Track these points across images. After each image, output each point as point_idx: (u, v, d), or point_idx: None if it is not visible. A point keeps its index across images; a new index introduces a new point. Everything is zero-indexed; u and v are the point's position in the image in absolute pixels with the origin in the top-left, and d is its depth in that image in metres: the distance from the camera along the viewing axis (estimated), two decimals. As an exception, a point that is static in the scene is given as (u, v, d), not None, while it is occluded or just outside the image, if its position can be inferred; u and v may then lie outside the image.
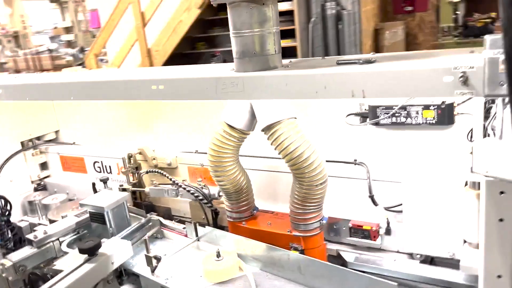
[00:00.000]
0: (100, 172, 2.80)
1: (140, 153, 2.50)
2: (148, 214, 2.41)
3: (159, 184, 2.32)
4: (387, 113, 1.86)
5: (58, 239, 2.24)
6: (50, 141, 3.06)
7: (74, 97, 1.92)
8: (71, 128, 3.03)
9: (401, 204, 1.84)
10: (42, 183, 3.04)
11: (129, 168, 2.47)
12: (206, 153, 2.41)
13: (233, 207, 2.05)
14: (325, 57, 1.60)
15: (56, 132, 3.09)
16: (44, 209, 2.77)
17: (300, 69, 1.45)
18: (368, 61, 1.33)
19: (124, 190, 2.44)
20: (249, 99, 1.79)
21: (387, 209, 1.84)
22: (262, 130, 1.80)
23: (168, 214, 2.47)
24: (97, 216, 2.23)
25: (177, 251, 2.06)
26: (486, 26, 6.75)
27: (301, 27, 6.30)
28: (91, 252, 1.92)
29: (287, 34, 6.60)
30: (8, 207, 2.70)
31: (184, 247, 2.10)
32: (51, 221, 2.51)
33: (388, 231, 1.84)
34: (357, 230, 1.89)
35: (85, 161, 2.84)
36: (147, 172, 2.39)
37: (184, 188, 2.19)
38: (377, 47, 7.51)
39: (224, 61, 8.11)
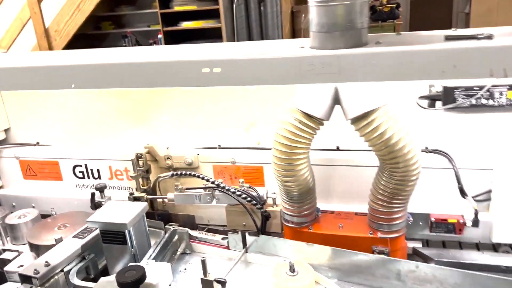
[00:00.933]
0: (83, 178, 2.24)
1: (148, 153, 2.03)
2: (166, 226, 1.99)
3: (185, 188, 1.90)
4: (468, 95, 1.71)
5: (62, 270, 1.72)
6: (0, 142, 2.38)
7: (77, 85, 1.45)
8: (29, 125, 2.38)
9: (484, 193, 1.73)
10: (-6, 197, 2.36)
11: (140, 172, 1.99)
12: (231, 148, 2.08)
13: (294, 211, 1.73)
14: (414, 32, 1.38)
15: (6, 130, 2.41)
16: (10, 230, 2.13)
17: (401, 45, 1.21)
18: (488, 37, 1.13)
19: (136, 199, 1.96)
20: (345, 81, 1.48)
21: (474, 198, 1.70)
22: (351, 120, 1.52)
23: (190, 223, 2.04)
24: (115, 236, 1.74)
25: (231, 268, 1.69)
26: (393, 11, 7.15)
27: (225, 7, 6.08)
28: (136, 285, 1.48)
29: (210, 14, 6.35)
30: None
31: (236, 262, 1.74)
32: (34, 246, 1.93)
33: (475, 223, 1.70)
34: (440, 224, 1.72)
35: (61, 165, 2.25)
36: (177, 175, 1.93)
37: (229, 191, 1.80)
38: (294, 30, 7.53)
39: (137, 43, 7.46)
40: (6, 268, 1.94)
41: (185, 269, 1.82)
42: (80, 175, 2.23)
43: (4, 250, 2.12)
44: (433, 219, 1.73)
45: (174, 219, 2.04)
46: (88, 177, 2.22)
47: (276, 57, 1.24)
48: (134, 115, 2.18)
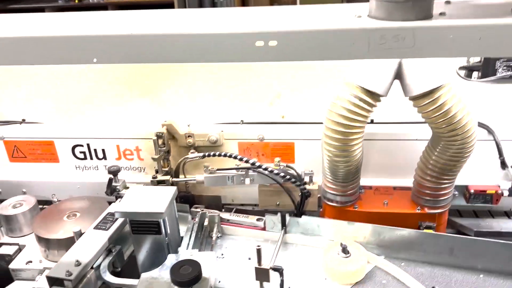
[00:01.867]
0: (85, 159, 2.00)
1: (166, 130, 1.82)
2: (192, 209, 1.85)
3: (216, 169, 1.74)
4: (508, 66, 1.69)
5: (92, 267, 1.53)
6: (-25, 120, 2.04)
7: (99, 59, 1.25)
8: (8, 99, 2.06)
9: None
10: (-26, 183, 2.05)
11: (162, 152, 1.79)
12: (256, 123, 1.95)
13: (339, 189, 1.66)
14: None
15: (-19, 106, 2.07)
16: (6, 222, 1.87)
17: (472, 18, 1.14)
18: None
19: (160, 182, 1.78)
20: (419, 57, 1.38)
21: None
22: (412, 97, 1.44)
23: (216, 204, 1.90)
24: (148, 226, 1.58)
25: (277, 252, 1.60)
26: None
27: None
28: (194, 282, 1.35)
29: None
30: None
31: (279, 245, 1.65)
32: (44, 240, 1.70)
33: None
34: (478, 195, 1.74)
35: (57, 145, 1.98)
36: (208, 156, 1.74)
37: (267, 170, 1.67)
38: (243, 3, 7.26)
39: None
40: (12, 266, 1.72)
41: (222, 254, 1.71)
42: (81, 155, 1.98)
43: (1, 244, 1.87)
44: (472, 191, 1.75)
45: (198, 201, 1.90)
46: (91, 158, 1.98)
47: (344, 28, 1.11)
48: (143, 87, 1.95)
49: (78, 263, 1.45)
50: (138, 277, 1.75)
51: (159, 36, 1.18)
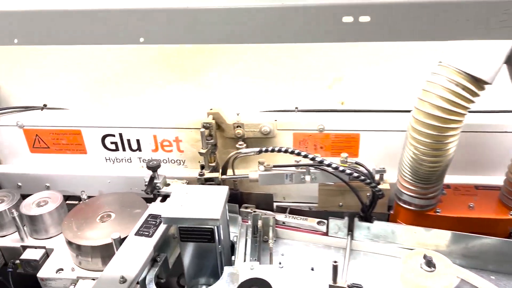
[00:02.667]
0: (116, 150, 1.76)
1: (213, 119, 1.58)
2: (241, 209, 1.63)
3: (273, 166, 1.50)
4: None
5: (138, 281, 1.32)
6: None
7: (147, 39, 1.03)
8: (28, 82, 1.80)
9: None
10: (-9, 177, 1.82)
11: (209, 146, 1.55)
12: (310, 111, 1.70)
13: (419, 192, 1.43)
14: None
15: (-5, 89, 1.82)
16: (30, 222, 1.64)
17: None
18: None
19: (208, 180, 1.54)
20: None
21: None
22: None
23: (266, 202, 1.67)
24: (200, 234, 1.36)
25: (347, 262, 1.39)
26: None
27: None
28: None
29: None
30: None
31: (349, 254, 1.44)
32: (76, 246, 1.48)
33: None
34: None
35: (84, 134, 1.74)
36: (266, 151, 1.48)
37: (338, 169, 1.43)
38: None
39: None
40: (41, 275, 1.51)
41: (280, 263, 1.49)
42: (112, 146, 1.74)
43: (25, 248, 1.66)
44: None
45: (246, 199, 1.67)
46: (124, 149, 1.74)
47: (458, 1, 0.87)
48: (183, 68, 1.69)
49: (123, 280, 1.23)
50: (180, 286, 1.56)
51: (221, 10, 0.94)
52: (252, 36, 1.00)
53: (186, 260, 1.44)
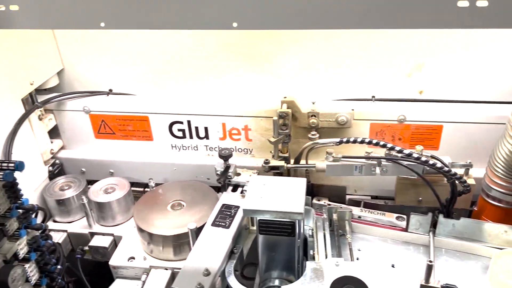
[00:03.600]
0: (183, 137, 1.72)
1: (288, 108, 1.52)
2: (314, 201, 1.58)
3: (342, 157, 1.44)
4: None
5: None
6: (52, 93, 1.76)
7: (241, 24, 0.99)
8: (94, 66, 1.77)
9: None
10: (56, 162, 1.80)
11: (281, 135, 1.50)
12: (387, 100, 1.62)
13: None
14: None
15: (59, 73, 1.79)
16: (97, 209, 1.63)
17: None
18: None
19: (273, 168, 1.49)
20: None
21: None
22: None
23: (339, 195, 1.62)
24: (281, 227, 1.31)
25: (432, 258, 1.32)
26: None
27: None
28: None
29: None
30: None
31: (433, 253, 1.37)
32: (146, 234, 1.45)
33: None
34: None
35: (151, 121, 1.71)
36: (347, 142, 1.42)
37: (419, 160, 1.36)
38: None
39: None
40: (113, 263, 1.49)
41: (358, 259, 1.44)
42: (180, 134, 1.71)
43: (93, 234, 1.64)
44: None
45: (317, 191, 1.61)
46: (191, 136, 1.70)
47: None
48: (253, 55, 1.63)
49: (207, 272, 1.20)
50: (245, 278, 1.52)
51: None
52: (348, 21, 0.93)
53: (261, 252, 1.40)
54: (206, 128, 1.68)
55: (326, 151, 1.47)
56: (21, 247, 1.33)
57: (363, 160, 1.46)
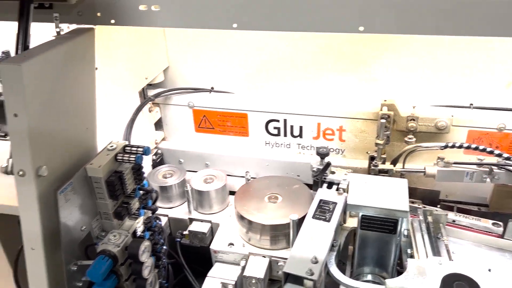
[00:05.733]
0: (278, 135, 1.82)
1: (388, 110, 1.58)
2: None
3: (453, 163, 1.48)
4: None
5: (323, 264, 1.36)
6: (157, 88, 1.92)
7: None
8: (198, 66, 1.91)
9: None
10: (158, 151, 1.95)
11: (385, 138, 1.56)
12: (486, 108, 1.63)
13: None
14: None
15: (165, 71, 1.94)
16: (197, 196, 1.75)
17: None
18: None
19: (381, 172, 1.55)
20: None
21: None
22: None
23: (431, 199, 1.65)
24: (383, 223, 1.37)
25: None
26: None
27: None
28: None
29: None
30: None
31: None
32: (246, 222, 1.55)
33: None
34: None
35: (250, 118, 1.82)
36: (460, 147, 1.46)
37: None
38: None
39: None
40: (214, 247, 1.60)
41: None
42: (275, 131, 1.81)
43: (191, 220, 1.77)
44: None
45: (410, 193, 1.65)
46: (285, 134, 1.80)
47: None
48: (350, 58, 1.71)
49: (315, 260, 1.28)
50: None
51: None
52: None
53: (358, 248, 1.46)
54: (300, 127, 1.77)
55: (438, 156, 1.50)
56: (139, 225, 1.47)
57: (474, 166, 1.48)
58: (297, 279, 1.26)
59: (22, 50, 1.18)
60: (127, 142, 1.39)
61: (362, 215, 1.37)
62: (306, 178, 1.76)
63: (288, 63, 1.78)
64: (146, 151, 1.38)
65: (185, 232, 1.74)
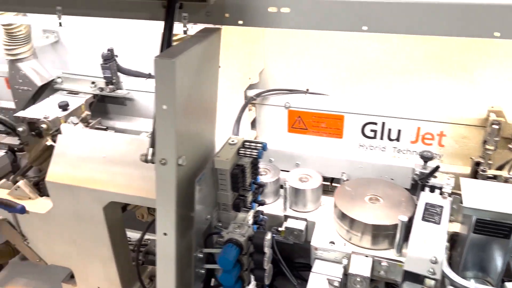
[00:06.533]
0: (374, 138, 1.85)
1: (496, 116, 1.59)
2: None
3: None
4: None
5: (437, 266, 1.38)
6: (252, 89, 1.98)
7: None
8: (293, 67, 1.96)
9: None
10: (250, 150, 2.02)
11: (494, 144, 1.57)
12: None
13: None
14: None
15: (260, 73, 2.00)
16: (294, 195, 1.80)
17: None
18: None
19: (490, 178, 1.56)
20: None
21: None
22: None
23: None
24: (499, 228, 1.37)
25: None
26: None
27: None
28: None
29: None
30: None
31: None
32: (347, 220, 1.58)
33: None
34: None
35: (346, 120, 1.86)
36: None
37: None
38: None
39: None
40: (314, 243, 1.64)
41: None
42: (371, 134, 1.84)
43: (286, 217, 1.81)
44: None
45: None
46: (381, 138, 1.82)
47: None
48: (452, 63, 1.72)
49: (435, 260, 1.30)
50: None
51: None
52: None
53: (466, 252, 1.47)
54: (399, 131, 1.79)
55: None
56: (250, 218, 1.53)
57: None
58: (416, 278, 1.29)
59: (166, 48, 1.25)
60: (245, 138, 1.45)
61: (477, 219, 1.38)
62: (401, 182, 1.77)
63: (386, 67, 1.80)
64: (265, 146, 1.43)
65: (281, 229, 1.78)
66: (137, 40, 2.13)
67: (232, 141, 1.43)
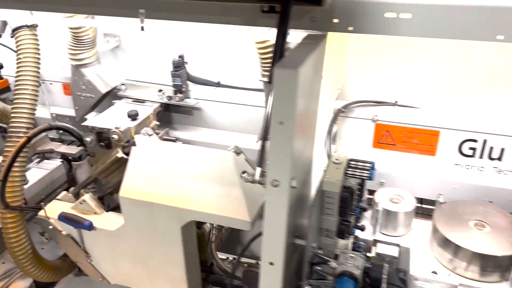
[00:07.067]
0: (471, 156, 1.69)
1: None
2: None
3: None
4: None
5: None
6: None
7: None
8: (381, 78, 1.81)
9: None
10: (330, 165, 1.88)
11: None
12: None
13: None
14: None
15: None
16: (384, 216, 1.65)
17: None
18: None
19: None
20: None
21: None
22: None
23: None
24: None
25: None
26: None
27: None
28: None
29: None
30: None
31: None
32: (451, 247, 1.42)
33: None
34: None
35: (441, 136, 1.70)
36: None
37: None
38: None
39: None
40: (415, 273, 1.48)
41: None
42: (469, 152, 1.68)
43: (375, 242, 1.66)
44: None
45: None
46: (481, 156, 1.66)
47: None
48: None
49: None
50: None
51: None
52: None
53: None
54: (502, 149, 1.62)
55: None
56: (350, 245, 1.39)
57: None
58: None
59: (279, 57, 1.13)
60: (348, 156, 1.32)
61: None
62: (502, 205, 1.61)
63: (493, 77, 1.64)
64: (373, 166, 1.29)
65: (370, 254, 1.63)
66: (201, 46, 2.02)
67: (337, 159, 1.30)
